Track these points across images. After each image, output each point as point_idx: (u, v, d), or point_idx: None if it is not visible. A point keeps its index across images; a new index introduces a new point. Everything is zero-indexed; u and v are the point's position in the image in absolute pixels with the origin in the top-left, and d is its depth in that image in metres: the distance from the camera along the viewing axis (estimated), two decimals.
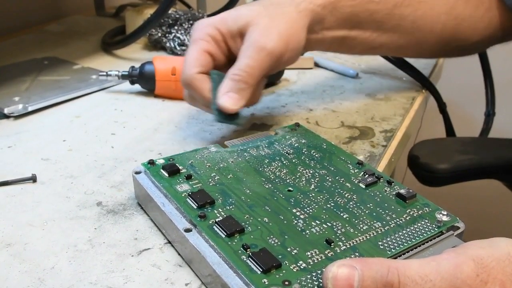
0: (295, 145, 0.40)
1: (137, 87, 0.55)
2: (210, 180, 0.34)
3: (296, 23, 0.43)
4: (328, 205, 0.32)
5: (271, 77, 0.59)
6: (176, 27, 0.69)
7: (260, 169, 0.36)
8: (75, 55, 0.67)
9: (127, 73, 0.54)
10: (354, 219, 0.31)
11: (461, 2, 0.50)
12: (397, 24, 0.49)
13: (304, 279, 0.26)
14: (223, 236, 0.29)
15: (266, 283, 0.25)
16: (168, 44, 0.68)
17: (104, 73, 0.54)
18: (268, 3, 0.45)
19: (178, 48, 0.67)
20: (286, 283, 0.25)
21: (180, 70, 0.52)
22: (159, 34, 0.69)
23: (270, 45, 0.41)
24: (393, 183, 0.34)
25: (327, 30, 0.47)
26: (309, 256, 0.27)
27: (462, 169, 0.57)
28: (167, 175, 0.34)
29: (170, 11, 0.68)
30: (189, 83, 0.42)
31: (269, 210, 0.31)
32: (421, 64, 0.66)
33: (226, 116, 0.41)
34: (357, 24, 0.48)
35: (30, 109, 0.50)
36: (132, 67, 0.54)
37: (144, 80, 0.54)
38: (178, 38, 0.68)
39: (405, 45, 0.52)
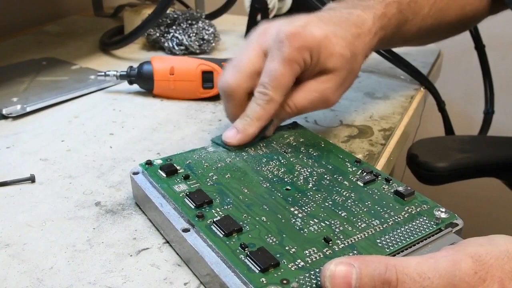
0: (293, 144, 0.40)
1: (135, 87, 0.55)
2: (208, 180, 0.34)
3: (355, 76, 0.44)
4: (326, 204, 0.32)
5: None
6: (174, 27, 0.69)
7: (258, 168, 0.36)
8: (74, 55, 0.67)
9: (125, 73, 0.54)
10: (352, 217, 0.31)
11: (469, 2, 0.53)
12: (420, 35, 0.52)
13: (302, 277, 0.26)
14: (221, 235, 0.29)
15: (264, 282, 0.25)
16: (166, 44, 0.68)
17: (103, 73, 0.54)
18: (354, 36, 0.42)
19: (176, 48, 0.67)
20: (285, 281, 0.25)
21: (178, 69, 0.53)
22: (157, 34, 0.69)
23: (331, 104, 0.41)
24: (391, 181, 0.34)
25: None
26: (307, 254, 0.27)
27: (461, 168, 0.57)
28: (164, 175, 0.34)
29: (168, 11, 0.68)
30: (269, 103, 0.38)
31: (267, 209, 0.31)
32: (420, 63, 0.66)
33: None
34: (390, 42, 0.50)
35: (28, 109, 0.50)
36: (130, 67, 0.54)
37: (143, 80, 0.54)
38: (176, 38, 0.68)
39: (418, 44, 0.60)
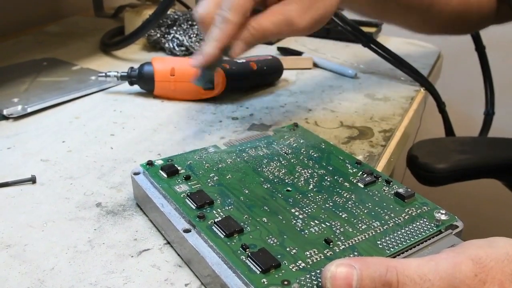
0: (294, 145, 0.40)
1: (136, 88, 0.55)
2: (209, 180, 0.34)
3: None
4: (327, 205, 0.32)
5: (270, 77, 0.59)
6: (175, 28, 0.69)
7: (259, 169, 0.36)
8: (74, 56, 0.67)
9: (126, 74, 0.54)
10: (353, 219, 0.31)
11: None
12: (417, 9, 0.51)
13: (303, 278, 0.26)
14: (222, 236, 0.29)
15: (266, 283, 0.25)
16: (167, 45, 0.68)
17: (103, 74, 0.54)
18: None
19: (177, 48, 0.68)
20: (285, 282, 0.25)
21: (179, 70, 0.53)
22: (158, 35, 0.69)
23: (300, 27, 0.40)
24: (391, 183, 0.34)
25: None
26: (308, 255, 0.27)
27: (461, 169, 0.57)
28: (165, 176, 0.34)
29: (169, 12, 0.68)
30: (225, 22, 0.38)
31: (268, 210, 0.31)
32: (420, 64, 0.66)
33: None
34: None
35: (29, 110, 0.50)
36: (131, 68, 0.54)
37: (143, 81, 0.54)
38: (177, 38, 0.68)
39: (419, 23, 0.57)
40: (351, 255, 0.28)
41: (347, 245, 0.28)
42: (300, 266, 0.27)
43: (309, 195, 0.33)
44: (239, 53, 0.41)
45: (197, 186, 0.33)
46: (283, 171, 0.36)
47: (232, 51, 0.40)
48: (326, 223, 0.30)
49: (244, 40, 0.40)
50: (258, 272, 0.26)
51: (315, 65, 0.66)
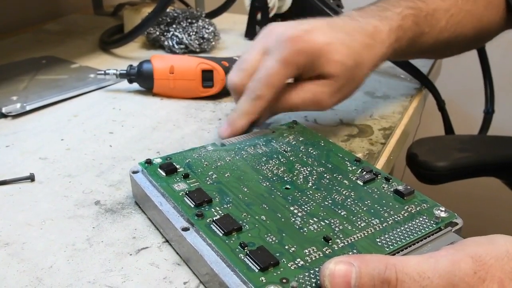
0: (293, 143, 0.40)
1: (135, 85, 0.55)
2: (207, 178, 0.34)
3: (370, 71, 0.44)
4: (326, 203, 0.32)
5: None
6: (174, 26, 0.69)
7: (258, 167, 0.36)
8: (73, 54, 0.67)
9: (125, 71, 0.54)
10: (352, 216, 0.31)
11: (486, 14, 0.53)
12: (436, 48, 0.51)
13: (302, 276, 0.26)
14: (221, 234, 0.28)
15: (264, 281, 0.25)
16: (166, 43, 0.68)
17: (102, 72, 0.54)
18: (362, 45, 0.42)
19: (176, 46, 0.67)
20: (284, 280, 0.25)
21: (178, 68, 0.53)
22: (157, 33, 0.69)
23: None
24: (391, 180, 0.34)
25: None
26: (307, 253, 0.27)
27: (460, 167, 0.57)
28: (164, 174, 0.34)
29: (168, 10, 0.68)
30: (258, 99, 0.39)
31: (267, 208, 0.31)
32: (420, 62, 0.66)
33: None
34: (405, 54, 0.50)
35: (28, 108, 0.50)
36: (130, 65, 0.54)
37: (142, 79, 0.54)
38: (176, 36, 0.68)
39: (441, 56, 0.61)
40: (350, 253, 0.28)
41: (346, 243, 0.28)
42: (299, 264, 0.26)
43: (308, 193, 0.33)
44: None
45: (195, 184, 0.33)
46: (282, 169, 0.36)
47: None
48: (325, 220, 0.30)
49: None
50: (257, 270, 0.26)
51: None
